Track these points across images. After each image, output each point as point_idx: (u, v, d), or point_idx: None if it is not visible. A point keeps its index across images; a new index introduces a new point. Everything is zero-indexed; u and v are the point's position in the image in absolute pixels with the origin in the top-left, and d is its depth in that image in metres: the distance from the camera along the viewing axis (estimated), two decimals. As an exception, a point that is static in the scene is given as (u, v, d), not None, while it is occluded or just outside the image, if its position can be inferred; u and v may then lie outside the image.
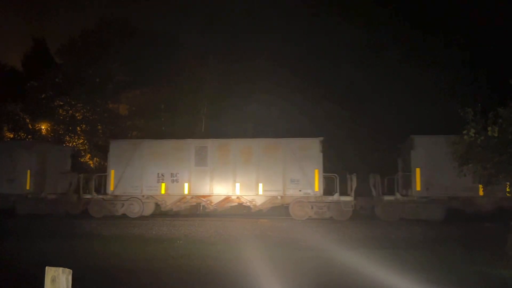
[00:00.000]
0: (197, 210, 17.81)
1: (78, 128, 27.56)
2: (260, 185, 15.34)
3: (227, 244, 11.86)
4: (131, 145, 16.80)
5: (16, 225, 14.70)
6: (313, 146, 15.49)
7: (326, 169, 15.46)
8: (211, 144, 16.12)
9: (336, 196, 15.17)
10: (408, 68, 23.09)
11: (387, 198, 15.33)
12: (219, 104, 26.43)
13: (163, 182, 15.77)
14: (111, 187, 15.97)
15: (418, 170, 14.78)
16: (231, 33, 27.44)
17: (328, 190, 15.52)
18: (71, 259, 8.86)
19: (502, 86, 10.84)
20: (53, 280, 2.92)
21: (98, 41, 27.21)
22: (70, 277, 2.99)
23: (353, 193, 15.18)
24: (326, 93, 24.53)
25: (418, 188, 14.75)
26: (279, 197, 15.41)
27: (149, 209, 16.63)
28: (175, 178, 15.74)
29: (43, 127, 27.52)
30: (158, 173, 15.83)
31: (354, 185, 15.13)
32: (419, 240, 12.30)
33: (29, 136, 26.71)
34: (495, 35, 23.36)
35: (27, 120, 27.47)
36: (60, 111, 27.55)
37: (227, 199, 15.73)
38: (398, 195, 15.24)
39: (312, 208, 15.26)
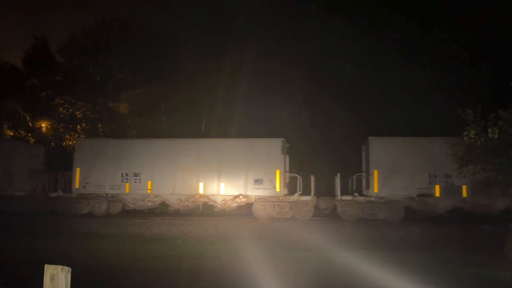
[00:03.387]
0: None
1: (78, 126, 27.56)
2: None
3: (226, 243, 11.84)
4: None
5: (15, 223, 14.68)
6: None
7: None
8: None
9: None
10: (409, 69, 23.10)
11: (52, 194, 16.99)
12: (220, 103, 26.40)
13: None
14: None
15: (78, 170, 16.87)
16: (232, 33, 27.44)
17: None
18: (70, 257, 8.85)
19: (502, 88, 10.84)
20: (52, 278, 2.92)
21: (99, 40, 27.20)
22: (69, 275, 3.00)
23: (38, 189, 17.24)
24: (327, 93, 24.54)
25: (77, 186, 16.85)
26: None
27: None
28: None
29: (43, 125, 27.52)
30: None
31: (43, 182, 17.25)
32: (418, 241, 12.28)
33: (29, 134, 26.71)
34: (496, 37, 23.37)
35: (27, 118, 27.45)
36: (61, 109, 27.55)
37: None
38: (60, 192, 17.00)
39: None
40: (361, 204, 15.35)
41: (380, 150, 15.55)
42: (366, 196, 15.58)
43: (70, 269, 3.01)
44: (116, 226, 14.41)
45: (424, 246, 11.44)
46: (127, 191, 16.47)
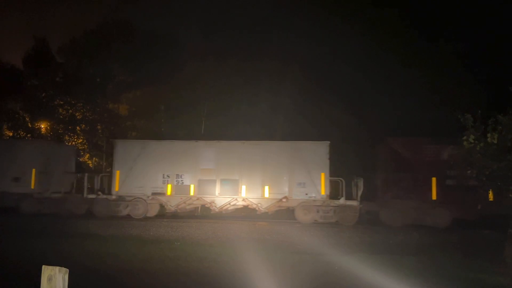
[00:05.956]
0: None
1: (78, 127, 27.54)
2: None
3: (224, 246, 11.82)
4: None
5: (14, 223, 14.67)
6: None
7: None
8: None
9: None
10: (410, 73, 23.13)
11: None
12: (220, 105, 26.42)
13: None
14: None
15: None
16: (232, 34, 27.50)
17: None
18: (68, 258, 8.83)
19: (502, 93, 10.87)
20: (50, 279, 2.91)
21: (99, 41, 27.22)
22: (66, 276, 2.98)
23: None
24: (328, 96, 24.55)
25: None
26: None
27: None
28: None
29: (42, 126, 27.51)
30: None
31: None
32: (418, 245, 12.26)
33: (28, 135, 26.68)
34: (496, 42, 23.43)
35: (27, 119, 27.46)
36: (60, 110, 27.55)
37: None
38: None
39: None
40: (109, 202, 16.43)
41: (122, 151, 16.83)
42: (109, 194, 16.74)
43: (68, 270, 3.00)
44: (115, 227, 14.37)
45: (423, 250, 11.42)
46: None
